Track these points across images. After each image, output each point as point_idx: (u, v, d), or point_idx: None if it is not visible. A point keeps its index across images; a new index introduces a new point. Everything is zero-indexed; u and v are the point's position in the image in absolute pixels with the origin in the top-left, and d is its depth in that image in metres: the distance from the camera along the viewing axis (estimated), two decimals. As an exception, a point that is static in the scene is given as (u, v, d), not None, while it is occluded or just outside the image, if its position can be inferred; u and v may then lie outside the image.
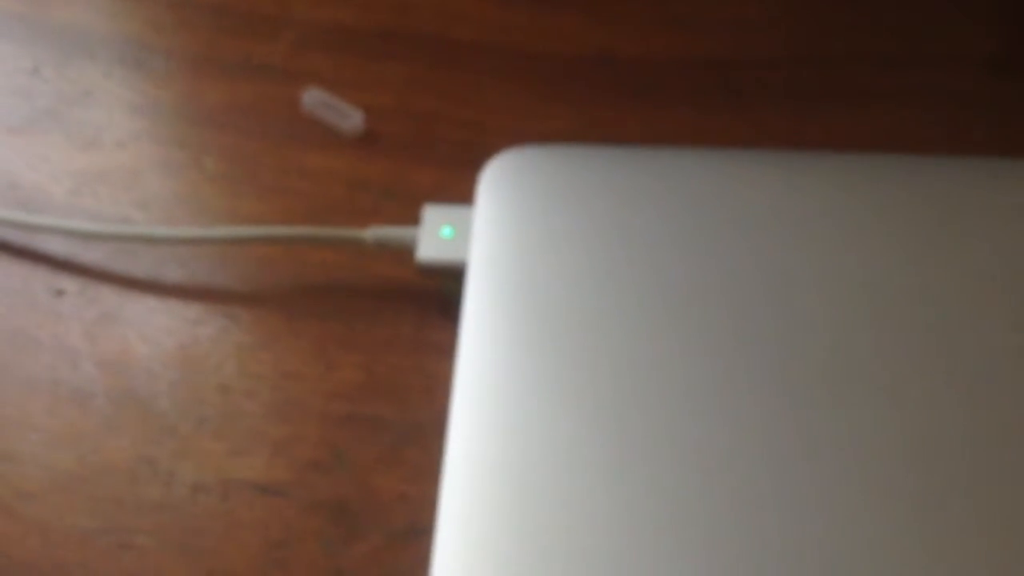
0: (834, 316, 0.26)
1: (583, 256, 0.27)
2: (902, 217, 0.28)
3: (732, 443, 0.24)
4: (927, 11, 0.36)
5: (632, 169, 0.30)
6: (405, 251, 0.28)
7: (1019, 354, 0.25)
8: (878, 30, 0.35)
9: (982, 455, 0.24)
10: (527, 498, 0.23)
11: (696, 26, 0.35)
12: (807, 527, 0.23)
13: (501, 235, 0.27)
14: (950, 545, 0.23)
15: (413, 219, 0.29)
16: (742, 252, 0.27)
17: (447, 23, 0.36)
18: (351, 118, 0.33)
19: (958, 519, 0.23)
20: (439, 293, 0.29)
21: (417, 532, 0.25)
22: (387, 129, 0.33)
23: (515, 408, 0.24)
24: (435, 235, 0.28)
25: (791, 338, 0.26)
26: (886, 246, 0.27)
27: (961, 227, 0.28)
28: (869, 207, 0.28)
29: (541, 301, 0.26)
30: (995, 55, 0.35)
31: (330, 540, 0.25)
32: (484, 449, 0.24)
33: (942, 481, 0.24)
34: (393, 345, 0.28)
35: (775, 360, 0.25)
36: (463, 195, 0.30)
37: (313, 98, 0.33)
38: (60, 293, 0.29)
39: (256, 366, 0.28)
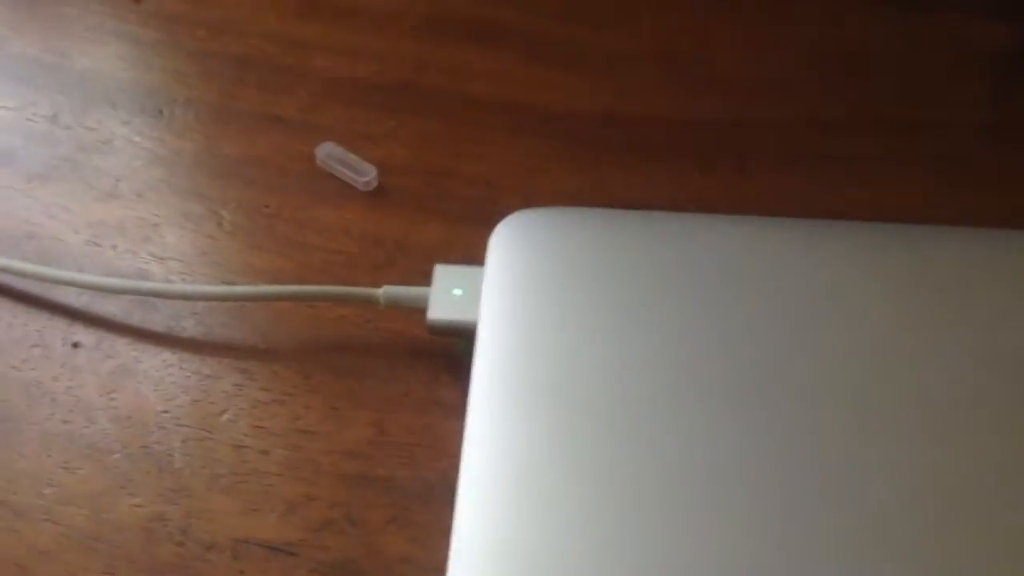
0: (829, 378, 0.26)
1: (590, 318, 0.28)
2: (896, 284, 0.28)
3: (736, 507, 0.24)
4: (929, 77, 0.37)
5: (638, 232, 0.30)
6: (417, 310, 0.29)
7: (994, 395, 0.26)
8: (882, 94, 0.36)
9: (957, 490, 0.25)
10: (535, 564, 0.23)
11: (703, 86, 0.36)
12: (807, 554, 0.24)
13: (510, 296, 0.28)
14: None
15: (424, 274, 0.30)
16: (743, 314, 0.28)
17: (463, 80, 0.36)
18: (365, 173, 0.33)
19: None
20: (450, 352, 0.29)
21: (424, 594, 0.25)
22: (400, 184, 0.33)
23: (523, 471, 0.25)
24: (446, 295, 0.29)
25: (791, 399, 0.26)
26: (880, 312, 0.28)
27: (953, 295, 0.28)
28: (866, 274, 0.29)
29: (549, 362, 0.27)
30: (993, 122, 0.35)
31: (340, 601, 0.25)
32: (492, 512, 0.24)
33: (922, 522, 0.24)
34: (404, 403, 0.28)
35: (776, 422, 0.26)
36: (472, 251, 0.30)
37: (327, 152, 0.34)
38: (76, 345, 0.30)
39: (270, 422, 0.28)
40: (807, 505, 0.24)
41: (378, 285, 0.29)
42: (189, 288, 0.30)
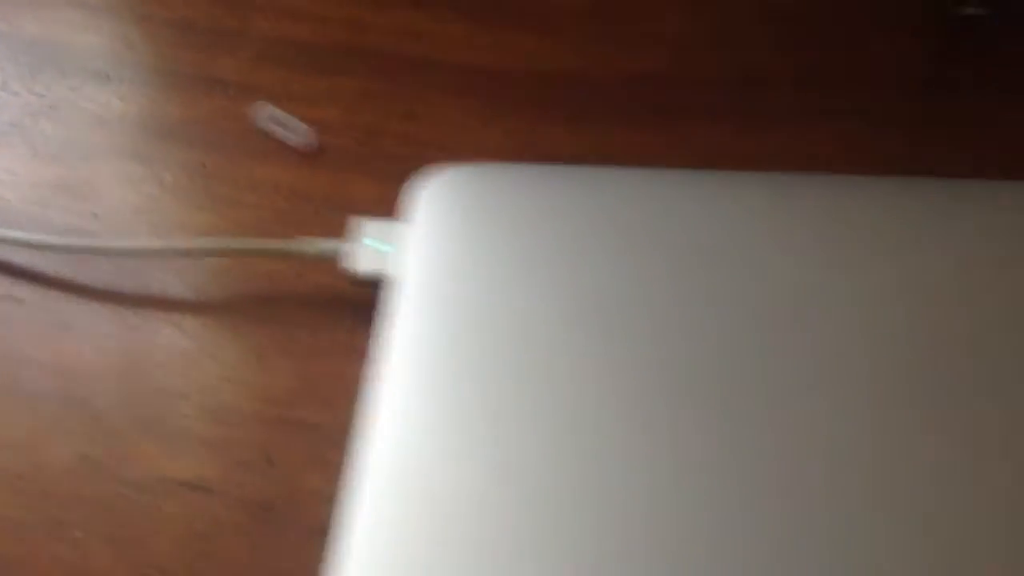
0: (756, 328, 0.27)
1: (507, 269, 0.28)
2: (821, 234, 0.29)
3: (653, 455, 0.25)
4: (854, 31, 0.37)
5: (561, 188, 0.31)
6: (339, 262, 0.30)
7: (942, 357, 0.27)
8: (810, 48, 0.37)
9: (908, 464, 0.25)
10: (431, 503, 0.25)
11: (632, 44, 0.37)
12: (729, 538, 0.24)
13: (426, 248, 0.29)
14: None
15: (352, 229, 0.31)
16: (668, 268, 0.28)
17: (401, 41, 0.37)
18: (300, 133, 0.34)
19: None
20: (372, 303, 0.30)
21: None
22: (334, 143, 0.35)
23: (430, 414, 0.26)
24: (365, 248, 0.30)
25: (715, 350, 0.27)
26: (806, 262, 0.28)
27: (873, 245, 0.29)
28: (791, 224, 0.29)
29: (462, 312, 0.28)
30: (924, 77, 0.36)
31: (253, 534, 0.26)
32: (392, 454, 0.25)
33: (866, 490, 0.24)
34: (327, 352, 0.30)
35: (699, 373, 0.26)
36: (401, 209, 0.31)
37: (263, 113, 0.35)
38: (19, 302, 0.31)
39: (197, 371, 0.29)
40: (730, 460, 0.25)
41: (304, 240, 0.31)
42: (126, 244, 0.32)
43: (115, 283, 0.31)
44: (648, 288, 0.28)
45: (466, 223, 0.30)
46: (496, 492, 0.25)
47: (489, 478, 0.25)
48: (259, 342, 0.30)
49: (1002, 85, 0.35)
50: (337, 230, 0.32)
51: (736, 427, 0.25)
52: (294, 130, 0.34)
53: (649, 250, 0.29)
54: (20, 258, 0.32)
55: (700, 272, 0.28)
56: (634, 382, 0.26)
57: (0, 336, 0.30)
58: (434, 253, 0.29)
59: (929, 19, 0.37)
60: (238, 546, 0.27)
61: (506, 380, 0.26)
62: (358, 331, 0.30)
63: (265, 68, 0.36)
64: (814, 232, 0.29)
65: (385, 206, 0.33)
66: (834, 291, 0.28)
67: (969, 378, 0.26)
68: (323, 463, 0.28)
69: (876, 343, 0.27)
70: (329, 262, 0.30)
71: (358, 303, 0.30)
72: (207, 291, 0.31)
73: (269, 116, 0.35)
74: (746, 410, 0.26)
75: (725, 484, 0.25)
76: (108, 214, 0.33)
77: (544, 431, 0.26)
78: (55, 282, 0.31)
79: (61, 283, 0.31)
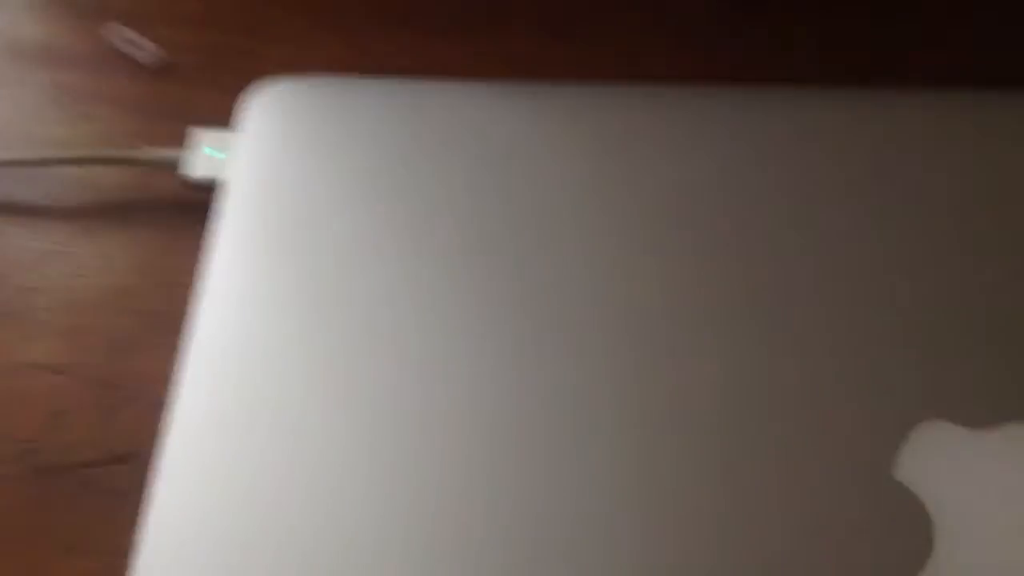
0: (587, 243, 0.30)
1: (328, 174, 0.32)
2: (642, 143, 0.32)
3: (478, 377, 0.28)
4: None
5: (385, 100, 0.34)
6: (178, 169, 0.34)
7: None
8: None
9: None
10: (246, 376, 0.28)
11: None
12: (541, 475, 0.26)
13: (253, 155, 0.32)
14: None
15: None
16: (490, 181, 0.31)
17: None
18: (147, 51, 0.37)
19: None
20: (208, 206, 0.34)
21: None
22: (180, 60, 0.38)
23: (247, 301, 0.30)
24: (199, 155, 0.33)
25: (540, 266, 0.29)
26: (637, 174, 0.31)
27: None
28: (612, 134, 0.32)
29: (281, 212, 0.31)
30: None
31: (103, 408, 0.31)
32: (215, 337, 0.29)
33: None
34: (168, 250, 0.33)
35: (526, 290, 0.29)
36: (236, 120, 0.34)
37: (113, 33, 0.38)
38: None
39: (52, 270, 0.33)
40: (535, 365, 0.28)
41: (147, 149, 0.34)
42: (-16, 157, 0.35)
43: (-23, 193, 0.35)
44: (466, 197, 0.31)
45: (292, 132, 0.33)
46: (299, 362, 0.28)
47: (296, 353, 0.29)
48: (107, 242, 0.34)
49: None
50: (182, 141, 0.35)
51: (537, 330, 0.28)
52: (143, 48, 0.37)
53: (460, 158, 0.32)
54: None
55: (518, 182, 0.31)
56: (440, 279, 0.29)
57: None
58: (260, 159, 0.32)
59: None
60: (90, 418, 0.31)
61: (317, 275, 0.30)
62: (195, 232, 0.34)
63: (117, -10, 0.39)
64: (639, 138, 0.32)
65: (227, 118, 0.36)
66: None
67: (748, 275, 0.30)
68: (162, 347, 0.31)
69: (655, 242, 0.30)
70: (170, 170, 0.34)
71: (196, 206, 0.34)
72: (59, 198, 0.35)
73: (119, 36, 0.38)
74: (552, 312, 0.29)
75: (535, 387, 0.27)
76: (-29, 130, 0.36)
77: (353, 324, 0.29)
78: (-78, 193, 0.35)
79: (-72, 194, 0.35)
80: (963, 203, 0.30)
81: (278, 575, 0.26)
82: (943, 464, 0.25)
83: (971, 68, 0.37)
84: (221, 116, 0.36)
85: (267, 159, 0.32)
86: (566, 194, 0.31)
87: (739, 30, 0.39)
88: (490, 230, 0.30)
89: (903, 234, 0.29)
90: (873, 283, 0.28)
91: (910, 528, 0.24)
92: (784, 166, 0.31)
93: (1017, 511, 0.25)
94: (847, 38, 0.38)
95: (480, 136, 0.32)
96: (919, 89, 0.34)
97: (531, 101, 0.34)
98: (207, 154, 0.33)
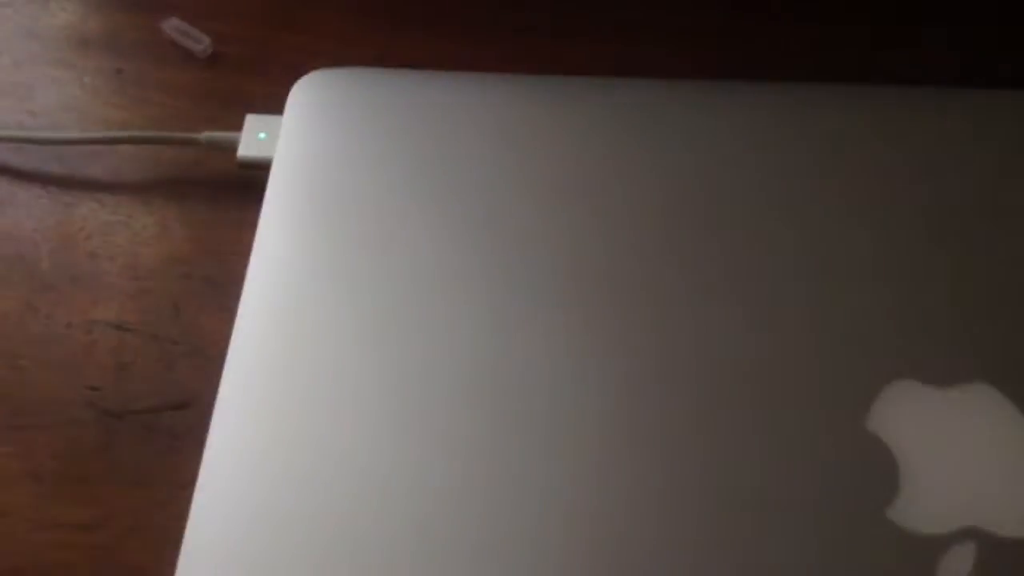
0: (619, 229, 0.33)
1: (367, 156, 0.35)
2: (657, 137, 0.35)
3: (518, 360, 0.30)
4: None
5: (421, 91, 0.38)
6: (231, 151, 0.37)
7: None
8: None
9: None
10: (296, 336, 0.32)
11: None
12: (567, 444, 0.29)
13: (299, 138, 0.36)
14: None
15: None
16: (519, 166, 0.34)
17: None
18: (201, 42, 0.41)
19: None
20: (260, 184, 0.37)
21: (229, 358, 0.34)
22: (232, 52, 0.41)
23: (295, 266, 0.33)
24: (253, 138, 0.37)
25: (581, 252, 0.32)
26: (653, 163, 0.35)
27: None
28: (633, 127, 0.35)
29: (324, 189, 0.35)
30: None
31: (165, 361, 0.34)
32: (268, 300, 0.32)
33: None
34: (221, 222, 0.37)
35: (566, 275, 0.32)
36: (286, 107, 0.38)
37: (171, 25, 0.41)
38: (-34, 183, 0.38)
39: (116, 237, 0.37)
40: (587, 355, 0.30)
41: (203, 132, 0.38)
42: (55, 134, 0.38)
43: (48, 168, 0.38)
44: (503, 185, 0.34)
45: (337, 119, 0.36)
46: (339, 322, 0.32)
47: (335, 314, 0.32)
48: (166, 215, 0.37)
49: None
50: (232, 125, 0.39)
51: (564, 298, 0.32)
52: (198, 40, 0.41)
53: (491, 144, 0.35)
54: (-34, 148, 0.39)
55: (556, 170, 0.34)
56: (474, 248, 0.33)
57: (-47, 211, 0.37)
58: (307, 143, 0.36)
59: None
60: (152, 370, 0.34)
61: (357, 247, 0.33)
62: (248, 207, 0.37)
63: (173, -13, 0.43)
64: (649, 134, 0.35)
65: (276, 106, 0.40)
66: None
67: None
68: (219, 309, 0.35)
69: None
70: (225, 151, 0.37)
71: (249, 184, 0.37)
72: (123, 174, 0.38)
73: (176, 28, 0.41)
74: (572, 287, 0.32)
75: (561, 347, 0.31)
76: (38, 110, 0.40)
77: (387, 292, 0.32)
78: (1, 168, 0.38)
79: (5, 169, 0.38)
80: (937, 178, 0.33)
81: (318, 504, 0.29)
82: (911, 419, 0.29)
83: (971, 68, 0.41)
84: (267, 104, 0.39)
85: (313, 143, 0.36)
86: (590, 179, 0.34)
87: (739, 30, 0.42)
88: (517, 212, 0.34)
89: (881, 210, 0.33)
90: (853, 257, 0.32)
91: (880, 473, 0.28)
92: (777, 153, 0.35)
93: (975, 460, 0.28)
94: (847, 38, 0.42)
95: (512, 125, 0.36)
96: (915, 87, 0.38)
97: (555, 94, 0.37)
98: (260, 138, 0.37)
